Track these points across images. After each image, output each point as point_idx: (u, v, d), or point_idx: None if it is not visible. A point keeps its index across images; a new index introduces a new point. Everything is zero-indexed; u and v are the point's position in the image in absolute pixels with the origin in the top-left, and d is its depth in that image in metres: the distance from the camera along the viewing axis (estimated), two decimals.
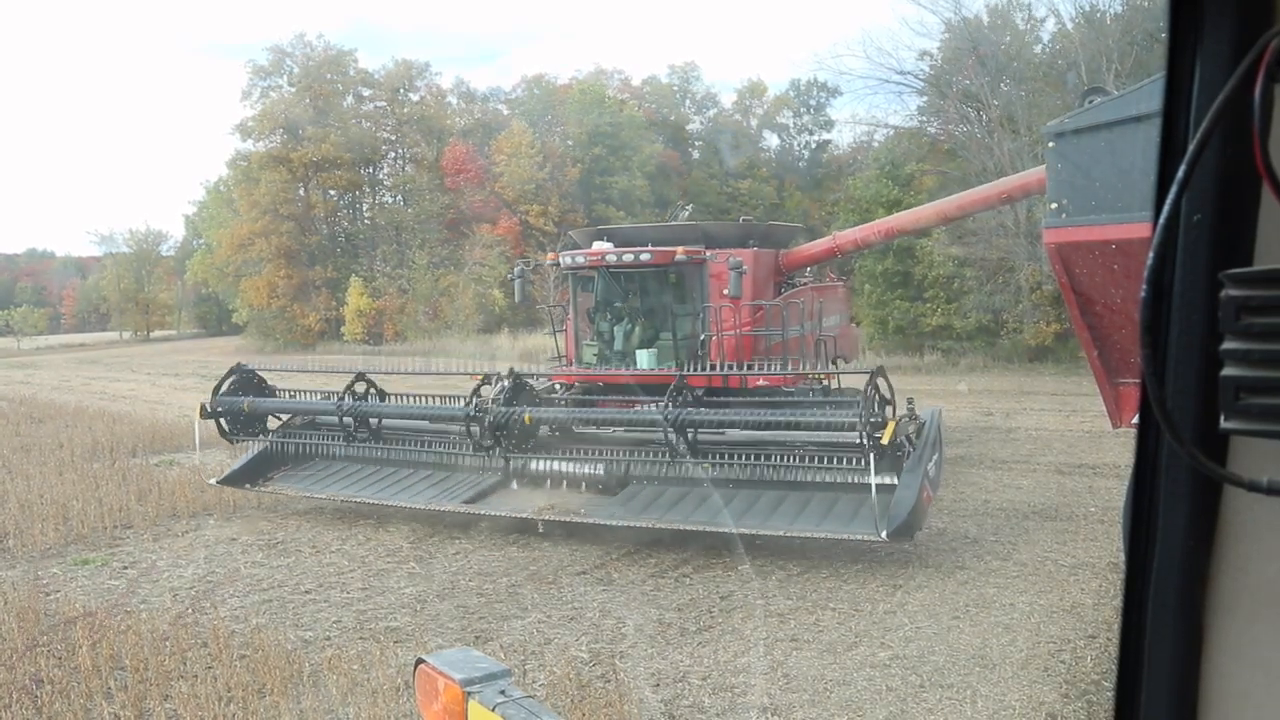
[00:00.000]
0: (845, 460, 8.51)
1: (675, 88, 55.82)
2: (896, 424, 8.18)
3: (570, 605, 7.83)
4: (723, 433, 9.43)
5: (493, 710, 1.75)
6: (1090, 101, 6.84)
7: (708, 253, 12.26)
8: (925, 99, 33.60)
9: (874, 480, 7.95)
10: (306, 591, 8.37)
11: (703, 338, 12.10)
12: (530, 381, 10.59)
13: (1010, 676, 6.14)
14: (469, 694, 1.81)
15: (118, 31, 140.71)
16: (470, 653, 2.02)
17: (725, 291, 11.52)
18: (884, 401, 8.54)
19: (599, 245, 12.71)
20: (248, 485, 11.28)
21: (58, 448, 15.82)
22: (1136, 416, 1.23)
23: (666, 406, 9.06)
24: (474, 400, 9.96)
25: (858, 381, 13.53)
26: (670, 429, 9.04)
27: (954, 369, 27.39)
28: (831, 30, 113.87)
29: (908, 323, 29.58)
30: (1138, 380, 1.07)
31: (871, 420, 8.12)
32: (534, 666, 6.49)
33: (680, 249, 11.86)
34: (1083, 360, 10.04)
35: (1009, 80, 29.58)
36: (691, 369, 11.26)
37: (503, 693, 1.80)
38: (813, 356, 12.65)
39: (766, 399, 9.97)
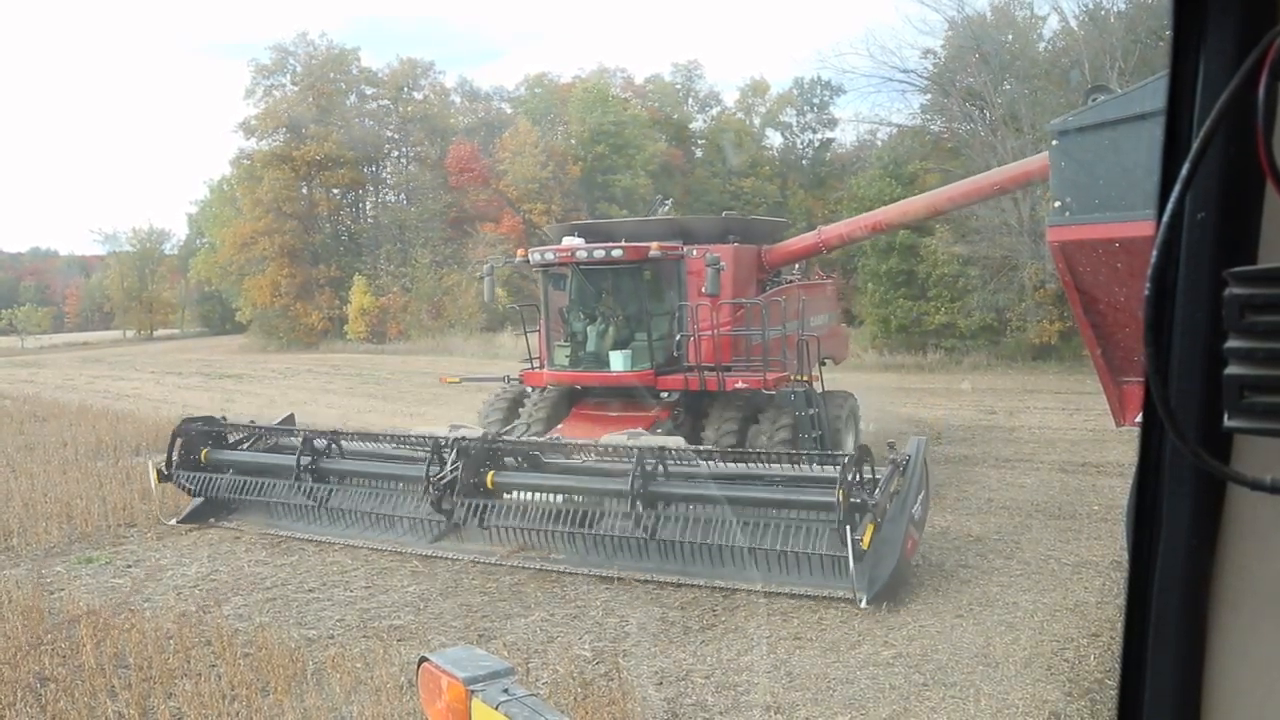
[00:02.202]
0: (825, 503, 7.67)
1: (678, 86, 55.71)
2: (876, 526, 7.44)
3: (573, 603, 7.83)
4: (696, 465, 8.68)
5: (496, 709, 1.75)
6: (1094, 99, 6.84)
7: (685, 248, 11.68)
8: (928, 97, 33.56)
9: (851, 555, 7.25)
10: (310, 590, 8.38)
11: (678, 338, 11.61)
12: (499, 436, 9.69)
13: (1013, 675, 6.14)
14: (472, 692, 1.81)
15: (120, 30, 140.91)
16: (474, 651, 2.03)
17: (703, 289, 10.91)
18: (866, 483, 7.67)
19: (569, 240, 12.03)
20: (212, 520, 10.77)
21: (61, 446, 15.85)
22: (1140, 415, 1.22)
23: (633, 479, 8.20)
24: (433, 464, 9.10)
25: (840, 388, 12.89)
26: (636, 501, 8.22)
27: (957, 367, 27.41)
28: (834, 28, 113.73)
29: (911, 321, 29.60)
30: (1141, 379, 1.07)
31: (852, 502, 7.37)
32: (537, 665, 6.50)
33: (655, 244, 11.19)
34: (1086, 359, 9.96)
35: (1012, 78, 29.54)
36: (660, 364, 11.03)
37: (506, 691, 1.80)
38: (796, 357, 11.77)
39: (742, 457, 8.75)
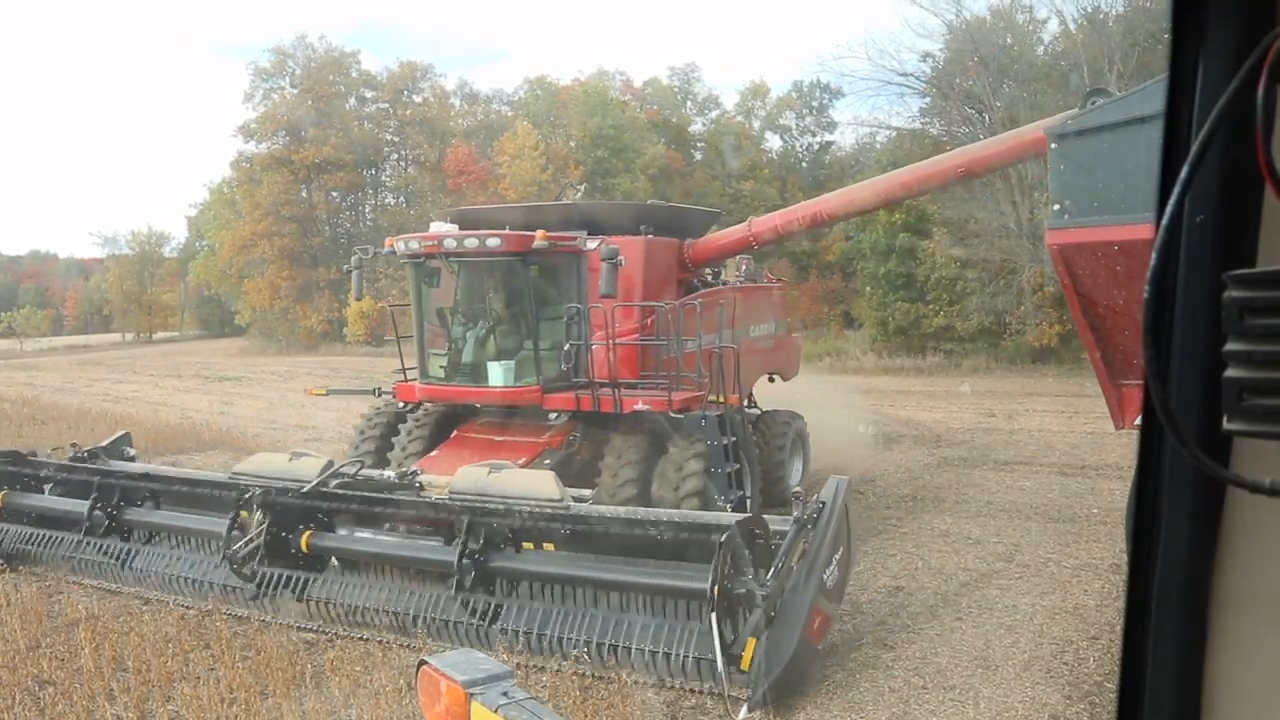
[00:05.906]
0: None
1: (677, 89, 55.82)
2: (758, 640, 5.79)
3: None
4: (547, 523, 6.96)
5: (495, 711, 1.75)
6: (1093, 103, 6.86)
7: (585, 239, 9.63)
8: (928, 100, 33.67)
9: (720, 660, 5.71)
10: None
11: (566, 347, 9.41)
12: (319, 486, 7.77)
13: (1013, 678, 6.14)
14: (472, 695, 1.81)
15: (120, 33, 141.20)
16: (473, 654, 2.03)
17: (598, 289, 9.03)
18: (751, 563, 6.00)
19: (438, 227, 10.06)
20: (18, 565, 9.00)
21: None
22: (1139, 417, 1.22)
23: (463, 546, 6.76)
24: (234, 525, 7.57)
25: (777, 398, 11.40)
26: (465, 579, 6.74)
27: (956, 370, 27.44)
28: (834, 31, 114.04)
29: (910, 324, 29.66)
30: (1141, 381, 1.08)
31: (732, 592, 5.83)
32: (536, 667, 6.49)
33: (540, 234, 9.16)
34: (1085, 361, 9.93)
35: (1011, 81, 29.61)
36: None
37: (505, 694, 1.80)
38: (720, 373, 9.58)
39: (616, 527, 6.82)
